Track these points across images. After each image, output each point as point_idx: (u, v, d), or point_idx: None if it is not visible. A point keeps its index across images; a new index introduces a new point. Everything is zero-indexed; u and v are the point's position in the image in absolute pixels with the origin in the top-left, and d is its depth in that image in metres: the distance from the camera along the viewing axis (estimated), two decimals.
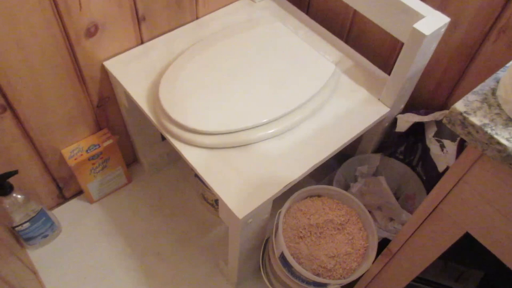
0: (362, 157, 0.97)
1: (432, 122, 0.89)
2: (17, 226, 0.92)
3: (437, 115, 0.86)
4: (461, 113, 0.40)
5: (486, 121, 0.39)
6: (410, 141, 0.96)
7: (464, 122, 0.40)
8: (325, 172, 1.05)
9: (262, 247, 0.88)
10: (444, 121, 0.42)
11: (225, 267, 0.98)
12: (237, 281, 0.97)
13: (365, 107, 0.85)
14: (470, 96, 0.41)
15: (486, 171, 0.44)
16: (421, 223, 0.56)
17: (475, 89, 0.42)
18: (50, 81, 0.83)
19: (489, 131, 0.38)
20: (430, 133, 0.89)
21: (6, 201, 0.87)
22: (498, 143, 0.38)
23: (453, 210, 0.50)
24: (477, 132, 0.39)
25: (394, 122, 0.92)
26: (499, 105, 0.40)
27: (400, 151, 0.98)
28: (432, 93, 0.92)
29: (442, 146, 0.86)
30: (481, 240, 0.49)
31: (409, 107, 0.92)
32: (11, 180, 0.87)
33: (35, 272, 0.98)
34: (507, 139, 0.38)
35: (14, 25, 0.71)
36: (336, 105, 0.85)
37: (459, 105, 0.41)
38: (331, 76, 0.85)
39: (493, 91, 0.42)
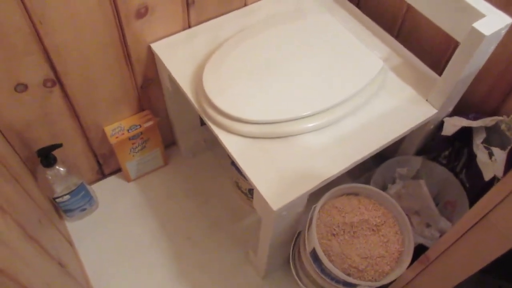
0: (403, 158, 0.94)
1: (482, 128, 0.85)
2: (58, 197, 0.95)
3: (487, 121, 0.82)
4: None
5: None
6: (456, 146, 0.92)
7: None
8: (362, 170, 1.02)
9: (293, 241, 0.88)
10: (503, 127, 0.40)
11: (254, 257, 0.98)
12: (265, 273, 0.97)
13: (411, 107, 0.82)
14: None
15: None
16: (465, 233, 0.54)
17: None
18: (98, 59, 0.85)
19: None
20: (478, 139, 0.85)
21: (49, 173, 0.90)
22: None
23: (501, 222, 0.48)
24: None
25: (440, 125, 0.88)
26: None
27: (444, 156, 0.94)
28: (484, 98, 0.87)
29: (491, 154, 0.82)
30: None
31: (458, 111, 0.88)
32: (55, 153, 0.90)
33: (71, 243, 1.02)
34: None
35: (69, 1, 0.73)
36: (381, 102, 0.82)
37: None
38: (378, 73, 0.83)
39: None
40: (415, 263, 0.67)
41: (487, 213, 0.49)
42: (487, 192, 0.48)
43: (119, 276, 0.99)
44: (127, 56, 0.89)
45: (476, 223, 0.51)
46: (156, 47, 0.90)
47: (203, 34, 0.92)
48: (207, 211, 1.10)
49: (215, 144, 1.19)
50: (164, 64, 0.87)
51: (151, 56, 0.93)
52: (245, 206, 1.10)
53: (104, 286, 0.98)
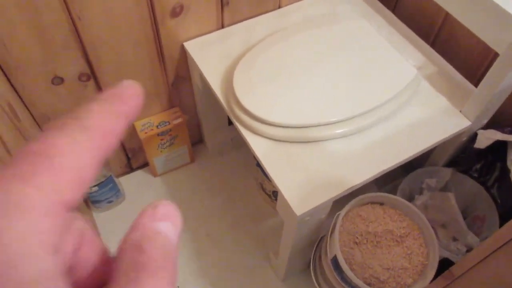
0: (432, 169, 0.92)
1: None
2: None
3: None
4: None
5: None
6: (488, 159, 0.90)
7: None
8: (389, 180, 1.01)
9: (315, 246, 0.87)
10: None
11: (274, 260, 0.98)
12: (284, 276, 0.97)
13: (444, 118, 0.80)
14: None
15: None
16: (494, 251, 0.52)
17: None
18: (132, 56, 0.87)
19: None
20: None
21: None
22: None
23: None
24: None
25: (473, 137, 0.86)
26: None
27: (475, 169, 0.91)
28: None
29: None
30: None
31: (493, 123, 0.85)
32: None
33: (98, 234, 1.04)
34: None
35: None
36: (412, 112, 0.81)
37: None
38: (411, 81, 0.81)
39: None
40: (439, 278, 0.65)
41: None
42: None
43: None
44: (160, 53, 0.91)
45: (508, 241, 0.49)
46: (189, 45, 0.91)
47: (236, 35, 0.93)
48: (230, 210, 1.10)
49: (241, 144, 1.20)
50: (195, 63, 0.88)
51: (184, 55, 0.94)
52: (268, 208, 1.10)
53: None
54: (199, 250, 1.04)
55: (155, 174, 1.15)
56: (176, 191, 1.13)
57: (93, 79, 0.87)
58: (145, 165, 1.17)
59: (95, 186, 0.98)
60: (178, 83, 1.00)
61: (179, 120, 1.03)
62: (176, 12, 0.85)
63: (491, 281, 0.55)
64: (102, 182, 0.99)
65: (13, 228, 0.12)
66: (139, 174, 1.16)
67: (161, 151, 1.07)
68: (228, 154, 1.20)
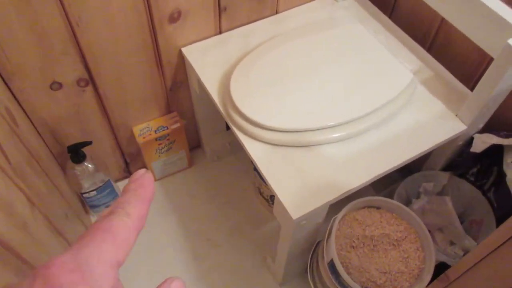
0: (429, 173, 0.93)
1: None
2: (85, 193, 0.98)
3: None
4: None
5: None
6: (485, 163, 0.90)
7: None
8: (386, 183, 1.01)
9: (312, 250, 0.87)
10: None
11: (272, 264, 0.98)
12: (282, 280, 0.97)
13: (440, 122, 0.81)
14: None
15: None
16: (488, 254, 0.52)
17: None
18: (131, 61, 0.88)
19: None
20: (508, 158, 0.83)
21: (78, 168, 0.93)
22: None
23: None
24: None
25: (469, 141, 0.86)
26: None
27: (472, 173, 0.91)
28: None
29: None
30: None
31: (489, 127, 0.85)
32: (85, 150, 0.93)
33: None
34: None
35: (107, 3, 0.75)
36: (409, 116, 0.81)
37: None
38: (407, 86, 0.82)
39: None
40: (435, 281, 0.65)
41: None
42: None
43: (137, 274, 1.01)
44: (158, 59, 0.91)
45: (501, 244, 0.50)
46: (187, 51, 0.92)
47: (233, 40, 0.93)
48: (228, 215, 1.10)
49: (239, 149, 1.20)
50: (193, 68, 0.89)
51: (181, 60, 0.95)
52: (266, 212, 1.10)
53: (123, 282, 1.00)
54: (199, 254, 1.04)
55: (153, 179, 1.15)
56: (174, 196, 1.14)
57: (92, 84, 0.88)
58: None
59: (93, 190, 0.98)
60: (176, 88, 1.01)
61: (177, 125, 1.03)
62: (174, 18, 0.85)
63: (486, 284, 0.55)
64: (100, 186, 0.99)
65: (94, 271, 0.22)
66: None
67: (159, 156, 1.07)
68: (225, 159, 1.21)
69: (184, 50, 0.92)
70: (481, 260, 0.54)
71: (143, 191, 0.26)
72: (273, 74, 0.83)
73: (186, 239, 1.07)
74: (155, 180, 1.16)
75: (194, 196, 1.14)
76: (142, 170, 0.28)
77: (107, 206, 1.06)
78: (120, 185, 1.13)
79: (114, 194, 1.05)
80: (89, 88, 0.88)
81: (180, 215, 1.10)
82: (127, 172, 1.16)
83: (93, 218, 1.09)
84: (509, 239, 0.48)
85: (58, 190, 0.85)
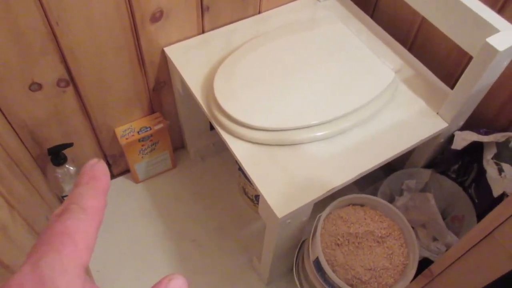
0: (411, 171, 0.94)
1: (492, 144, 0.84)
2: (66, 196, 0.96)
3: (498, 137, 0.81)
4: None
5: None
6: (466, 160, 0.92)
7: None
8: (370, 181, 1.02)
9: (297, 249, 0.87)
10: (502, 135, 0.39)
11: (258, 264, 0.98)
12: (268, 279, 0.97)
13: (421, 120, 0.82)
14: None
15: None
16: (469, 249, 0.53)
17: None
18: (112, 61, 0.87)
19: None
20: (488, 155, 0.84)
21: (59, 171, 0.92)
22: None
23: (507, 240, 0.47)
24: None
25: (450, 138, 0.88)
26: None
27: (453, 170, 0.93)
28: (496, 113, 0.86)
29: (501, 170, 0.81)
30: None
31: (469, 125, 0.87)
32: (66, 152, 0.91)
33: None
34: None
35: (87, 2, 0.74)
36: (391, 114, 0.82)
37: None
38: (389, 84, 0.82)
39: None
40: (419, 276, 0.66)
41: (493, 230, 0.48)
42: (494, 209, 0.47)
43: (123, 275, 1.00)
44: (141, 59, 0.90)
45: (481, 240, 0.51)
46: (170, 51, 0.91)
47: (216, 40, 0.93)
48: (213, 215, 1.10)
49: (223, 149, 1.20)
50: (176, 68, 0.88)
51: (164, 60, 0.94)
52: (251, 212, 1.10)
53: (107, 285, 0.98)
54: (184, 255, 1.04)
55: (136, 181, 1.14)
56: (159, 197, 1.13)
57: (72, 85, 0.86)
58: (126, 171, 1.16)
59: None
60: (159, 89, 1.00)
61: (160, 125, 1.02)
62: (156, 17, 0.84)
63: (468, 278, 0.56)
64: None
65: (58, 283, 0.19)
66: (120, 181, 1.15)
67: (142, 157, 1.06)
68: (210, 159, 1.20)
69: (166, 50, 0.91)
70: (462, 255, 0.55)
71: (97, 182, 0.24)
72: (256, 74, 0.83)
73: (171, 240, 1.06)
74: (138, 181, 1.14)
75: (179, 197, 1.13)
76: (94, 160, 0.25)
77: None
78: None
79: None
80: (70, 89, 0.87)
81: (165, 217, 1.09)
82: (110, 174, 1.14)
83: None
84: (488, 234, 0.49)
85: (39, 193, 0.83)
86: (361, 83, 0.82)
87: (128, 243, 1.05)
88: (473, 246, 0.52)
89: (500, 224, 0.47)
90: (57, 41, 0.77)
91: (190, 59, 0.89)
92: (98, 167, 0.25)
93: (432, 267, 0.62)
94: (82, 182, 0.24)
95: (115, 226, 1.07)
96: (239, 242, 1.06)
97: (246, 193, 1.07)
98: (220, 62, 0.86)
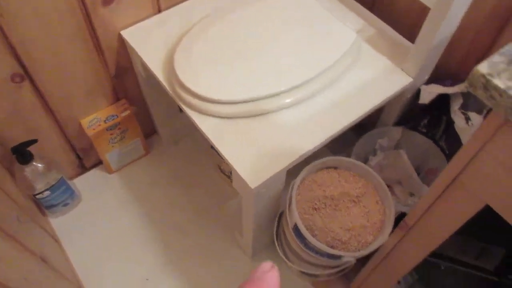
0: (383, 130, 0.94)
1: (458, 94, 0.85)
2: (37, 194, 0.94)
3: (463, 87, 0.82)
4: (483, 75, 0.37)
5: (511, 84, 0.36)
6: (434, 114, 0.92)
7: (487, 85, 0.37)
8: (344, 146, 1.02)
9: (277, 219, 0.88)
10: (466, 85, 0.39)
11: (240, 238, 0.98)
12: (252, 253, 0.97)
13: (387, 77, 0.82)
14: (495, 57, 0.38)
15: (510, 139, 0.41)
16: (439, 196, 0.54)
17: (501, 50, 0.39)
18: (68, 50, 0.83)
19: None
20: (455, 106, 0.85)
21: (27, 169, 0.89)
22: None
23: (473, 182, 0.48)
24: (501, 95, 0.36)
25: (417, 93, 0.88)
26: None
27: (423, 124, 0.94)
28: (459, 64, 0.87)
29: (468, 119, 0.82)
30: (502, 213, 0.46)
31: (435, 78, 0.87)
32: (32, 149, 0.89)
33: (56, 240, 1.01)
34: None
35: None
36: (356, 74, 0.82)
37: (483, 67, 0.38)
38: (351, 45, 0.82)
39: None
40: (396, 230, 0.67)
41: (458, 175, 0.49)
42: (456, 154, 0.48)
43: (107, 268, 0.99)
44: (98, 45, 0.87)
45: (449, 185, 0.51)
46: (126, 33, 0.88)
47: (174, 18, 0.90)
48: (192, 197, 1.09)
49: (195, 129, 1.18)
50: (135, 51, 0.86)
51: (122, 44, 0.91)
52: (229, 189, 1.10)
53: (92, 278, 0.97)
54: (167, 241, 1.03)
55: (110, 171, 1.12)
56: (135, 185, 1.11)
57: (28, 79, 0.83)
58: (99, 163, 1.13)
59: (46, 190, 0.94)
60: (121, 74, 0.97)
61: (127, 112, 1.00)
62: (107, 0, 0.81)
63: (441, 223, 0.57)
64: (53, 185, 0.95)
65: None
66: (94, 173, 1.13)
67: (112, 146, 1.04)
68: (183, 142, 1.18)
69: (123, 33, 0.88)
70: (433, 203, 0.55)
71: None
72: (217, 47, 0.81)
73: (152, 227, 1.05)
74: (112, 172, 1.12)
75: (155, 184, 1.11)
76: (267, 265, 0.24)
77: (64, 205, 1.02)
78: (77, 183, 1.09)
79: (70, 191, 1.01)
80: (26, 83, 0.83)
81: (143, 205, 1.08)
82: (82, 167, 1.12)
83: (51, 220, 1.05)
84: (455, 179, 0.50)
85: (6, 193, 0.81)
86: (324, 46, 0.81)
87: (108, 234, 1.03)
88: (442, 192, 0.53)
89: (464, 168, 0.48)
90: (4, 34, 0.73)
91: (149, 41, 0.87)
92: (269, 278, 0.24)
93: (406, 219, 0.63)
94: None
95: (93, 219, 1.05)
96: (220, 220, 1.06)
97: (222, 171, 1.06)
98: (180, 40, 0.84)
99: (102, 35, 0.86)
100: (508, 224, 0.46)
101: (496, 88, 0.37)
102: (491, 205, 0.47)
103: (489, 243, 0.85)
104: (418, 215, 0.59)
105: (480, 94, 0.38)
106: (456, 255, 0.87)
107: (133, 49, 0.86)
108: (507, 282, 0.85)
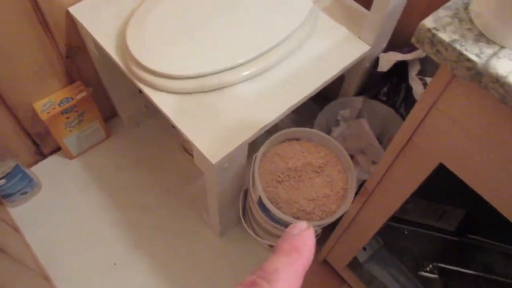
0: (344, 100, 0.94)
1: (416, 61, 0.86)
2: None
3: (419, 53, 0.83)
4: (429, 30, 0.37)
5: (456, 37, 0.36)
6: (394, 82, 0.93)
7: (433, 39, 0.37)
8: (308, 118, 1.02)
9: (243, 195, 0.87)
10: (413, 40, 0.39)
11: (207, 217, 0.97)
12: (220, 231, 0.97)
13: (345, 46, 0.81)
14: (440, 12, 0.38)
15: (458, 95, 0.41)
16: (395, 158, 0.54)
17: (447, 4, 0.39)
18: (12, 29, 0.79)
19: (458, 47, 0.35)
20: (413, 72, 0.86)
21: None
22: (468, 59, 0.35)
23: (426, 141, 0.48)
24: (446, 49, 0.36)
25: (376, 62, 0.88)
26: (471, 20, 0.37)
27: (383, 93, 0.95)
28: (415, 30, 0.87)
29: (425, 84, 0.83)
30: (454, 170, 0.47)
31: (393, 46, 0.88)
32: None
33: (16, 229, 0.97)
34: (477, 55, 0.35)
35: None
36: (314, 44, 0.81)
37: (428, 21, 0.37)
38: (308, 14, 0.81)
39: (466, 6, 0.38)
40: (357, 196, 0.67)
41: (412, 135, 0.49)
42: (408, 115, 0.48)
43: (72, 255, 0.96)
44: (44, 23, 0.83)
45: (404, 146, 0.52)
46: (75, 10, 0.84)
47: None
48: (158, 178, 1.07)
49: (157, 110, 1.15)
50: (86, 29, 0.82)
51: (72, 22, 0.87)
52: (194, 168, 1.08)
53: (57, 267, 0.95)
54: (133, 223, 1.01)
55: (70, 157, 1.08)
56: (97, 170, 1.08)
57: None
58: (58, 149, 1.09)
59: (1, 178, 0.90)
60: (73, 54, 0.93)
61: (83, 94, 0.96)
62: None
63: (399, 185, 0.58)
64: (9, 173, 0.91)
65: None
66: (53, 160, 1.08)
67: (70, 131, 1.00)
68: (145, 123, 1.15)
69: (71, 9, 0.84)
70: (390, 165, 0.56)
71: (299, 257, 0.22)
72: (171, 22, 0.78)
73: (118, 211, 1.02)
74: (73, 157, 1.08)
75: (118, 167, 1.08)
76: (303, 224, 0.23)
77: (23, 193, 0.98)
78: (36, 170, 1.05)
79: (27, 180, 0.97)
80: None
81: (107, 188, 1.05)
82: (40, 154, 1.07)
83: (10, 210, 1.00)
84: (408, 140, 0.50)
85: None
86: (280, 17, 0.80)
87: (72, 221, 1.00)
88: (398, 154, 0.53)
89: (417, 127, 0.48)
90: None
91: (99, 17, 0.83)
92: (306, 237, 0.23)
93: (366, 184, 0.63)
94: (284, 250, 0.22)
95: (56, 206, 1.02)
96: (187, 200, 1.04)
97: (186, 150, 1.04)
98: (132, 14, 0.81)
99: (48, 12, 0.82)
100: (466, 186, 0.47)
101: (441, 42, 0.36)
102: (444, 163, 0.48)
103: (450, 206, 0.87)
104: (377, 179, 0.60)
105: (427, 49, 0.38)
106: (419, 219, 0.90)
107: (83, 27, 0.82)
108: (467, 241, 0.88)
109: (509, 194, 0.43)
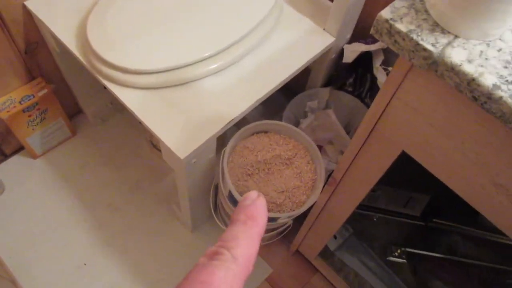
0: (311, 91, 0.95)
1: (379, 51, 0.87)
2: None
3: (383, 43, 0.84)
4: (387, 20, 0.38)
5: (412, 27, 0.37)
6: (359, 72, 0.94)
7: (391, 30, 0.38)
8: (276, 111, 1.02)
9: (213, 190, 0.87)
10: (372, 31, 0.40)
11: (179, 212, 0.96)
12: (192, 225, 0.96)
13: (309, 38, 0.82)
14: (397, 3, 0.39)
15: (417, 83, 0.42)
16: (361, 147, 0.55)
17: None
18: None
19: (414, 37, 0.36)
20: (377, 62, 0.87)
21: None
22: (424, 49, 0.36)
23: (388, 129, 0.49)
24: (403, 39, 0.37)
25: (341, 53, 0.89)
26: (426, 11, 0.38)
27: (349, 83, 0.96)
28: None
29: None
30: (416, 157, 0.49)
31: (357, 37, 0.89)
32: None
33: None
34: (433, 45, 0.36)
35: None
36: (280, 37, 0.81)
37: (385, 12, 0.38)
38: (272, 7, 0.81)
39: None
40: (326, 186, 0.68)
41: (375, 124, 0.50)
42: (372, 104, 0.49)
43: (40, 257, 0.94)
44: None
45: (368, 135, 0.53)
46: (32, 4, 0.81)
47: None
48: (126, 175, 1.05)
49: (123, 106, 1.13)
50: (44, 23, 0.79)
51: (29, 16, 0.83)
52: (163, 164, 1.07)
53: (24, 270, 0.92)
54: (103, 221, 0.99)
55: (34, 156, 1.05)
56: (63, 169, 1.05)
57: None
58: (20, 148, 1.06)
59: None
60: (32, 50, 0.90)
61: (45, 91, 0.93)
62: None
63: (365, 173, 0.59)
64: None
65: None
66: (16, 159, 1.05)
67: (32, 129, 0.97)
68: (111, 120, 1.13)
69: (28, 4, 0.81)
70: (356, 154, 0.57)
71: (254, 225, 0.23)
72: (134, 14, 0.77)
73: (85, 210, 1.00)
74: (37, 157, 1.05)
75: (85, 165, 1.06)
76: (254, 194, 0.25)
77: None
78: None
79: None
80: None
81: (73, 187, 1.02)
82: (2, 154, 1.03)
83: None
84: (372, 128, 0.51)
85: None
86: (245, 9, 0.80)
87: (37, 222, 0.97)
88: (363, 143, 0.54)
89: (380, 116, 0.49)
90: None
91: (58, 11, 0.80)
92: (258, 205, 0.24)
93: (334, 174, 0.64)
94: (239, 220, 0.24)
95: (20, 208, 0.99)
96: (156, 196, 1.03)
97: (154, 146, 1.03)
98: (91, 8, 0.78)
99: (2, 5, 0.78)
100: (430, 172, 0.48)
101: (398, 32, 0.37)
102: (406, 151, 0.49)
103: (415, 192, 0.90)
104: (344, 169, 0.61)
105: (385, 40, 0.39)
106: (387, 206, 0.92)
107: (41, 21, 0.80)
108: (432, 225, 0.91)
109: (467, 178, 0.45)
